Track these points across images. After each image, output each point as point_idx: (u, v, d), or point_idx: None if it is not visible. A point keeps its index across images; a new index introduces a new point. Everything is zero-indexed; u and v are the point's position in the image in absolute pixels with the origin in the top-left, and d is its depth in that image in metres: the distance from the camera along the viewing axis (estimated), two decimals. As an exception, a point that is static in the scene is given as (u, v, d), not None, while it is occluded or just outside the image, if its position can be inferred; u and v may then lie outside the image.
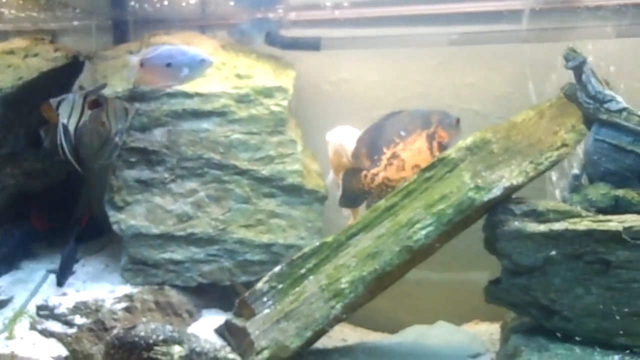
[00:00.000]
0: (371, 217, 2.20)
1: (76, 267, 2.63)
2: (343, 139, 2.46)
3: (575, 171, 2.20)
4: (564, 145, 2.29)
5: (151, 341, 1.97)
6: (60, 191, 2.87)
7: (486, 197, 2.07)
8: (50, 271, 2.57)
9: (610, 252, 1.99)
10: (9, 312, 2.40)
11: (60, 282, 2.43)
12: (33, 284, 2.56)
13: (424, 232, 2.06)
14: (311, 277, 2.17)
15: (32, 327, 2.30)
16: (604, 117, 2.16)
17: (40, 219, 2.78)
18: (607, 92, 2.18)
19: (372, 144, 2.40)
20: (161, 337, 1.98)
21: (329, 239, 2.23)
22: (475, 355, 2.33)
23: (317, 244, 2.23)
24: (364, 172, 2.40)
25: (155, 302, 2.44)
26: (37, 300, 2.44)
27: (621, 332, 1.99)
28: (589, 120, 2.23)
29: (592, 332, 2.03)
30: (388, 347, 2.41)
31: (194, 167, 2.55)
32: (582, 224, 2.03)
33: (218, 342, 2.12)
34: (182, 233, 2.51)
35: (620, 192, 2.10)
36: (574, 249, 2.02)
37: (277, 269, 2.24)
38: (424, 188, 2.17)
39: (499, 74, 2.85)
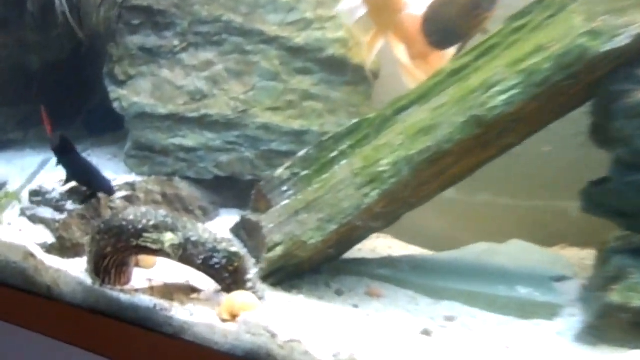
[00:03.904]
0: (430, 84, 1.85)
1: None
2: None
3: None
4: None
5: (140, 226, 1.79)
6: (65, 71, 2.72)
7: (605, 46, 1.59)
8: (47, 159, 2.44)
9: None
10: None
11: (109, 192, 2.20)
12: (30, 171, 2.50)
13: (504, 97, 1.66)
14: (343, 162, 1.90)
15: (22, 213, 2.24)
16: None
17: None
18: None
19: None
20: (152, 222, 1.78)
21: (371, 115, 1.94)
22: (560, 278, 1.98)
23: (355, 121, 1.94)
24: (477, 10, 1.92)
25: (162, 194, 2.32)
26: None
27: None
28: None
29: None
30: (441, 261, 2.12)
31: (210, 32, 2.37)
32: None
33: (223, 235, 1.87)
34: (194, 114, 2.35)
35: None
36: None
37: (302, 152, 2.01)
38: (511, 42, 1.76)
39: None
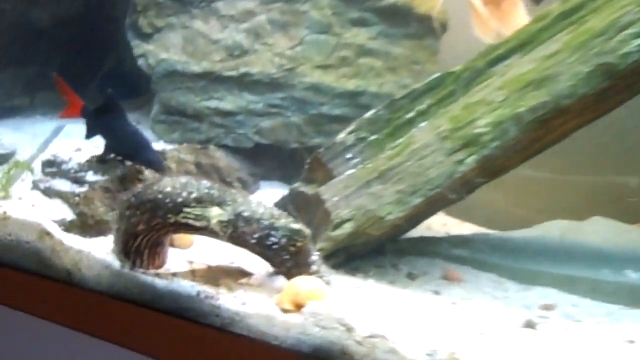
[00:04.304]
0: (532, 30, 1.61)
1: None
2: None
3: None
4: None
5: (180, 200, 1.56)
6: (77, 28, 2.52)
7: None
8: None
9: None
10: (10, 168, 2.20)
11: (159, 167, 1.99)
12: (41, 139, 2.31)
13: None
14: (423, 124, 1.66)
15: (35, 186, 2.03)
16: None
17: None
18: None
19: None
20: (194, 195, 1.56)
21: (456, 68, 1.71)
22: (666, 260, 1.74)
23: (436, 75, 1.72)
24: None
25: (196, 164, 2.16)
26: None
27: None
28: None
29: None
30: (519, 240, 1.92)
31: (251, -23, 2.23)
32: None
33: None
34: (232, 73, 2.20)
35: None
36: None
37: (369, 113, 1.78)
38: (636, -23, 1.53)
39: None
